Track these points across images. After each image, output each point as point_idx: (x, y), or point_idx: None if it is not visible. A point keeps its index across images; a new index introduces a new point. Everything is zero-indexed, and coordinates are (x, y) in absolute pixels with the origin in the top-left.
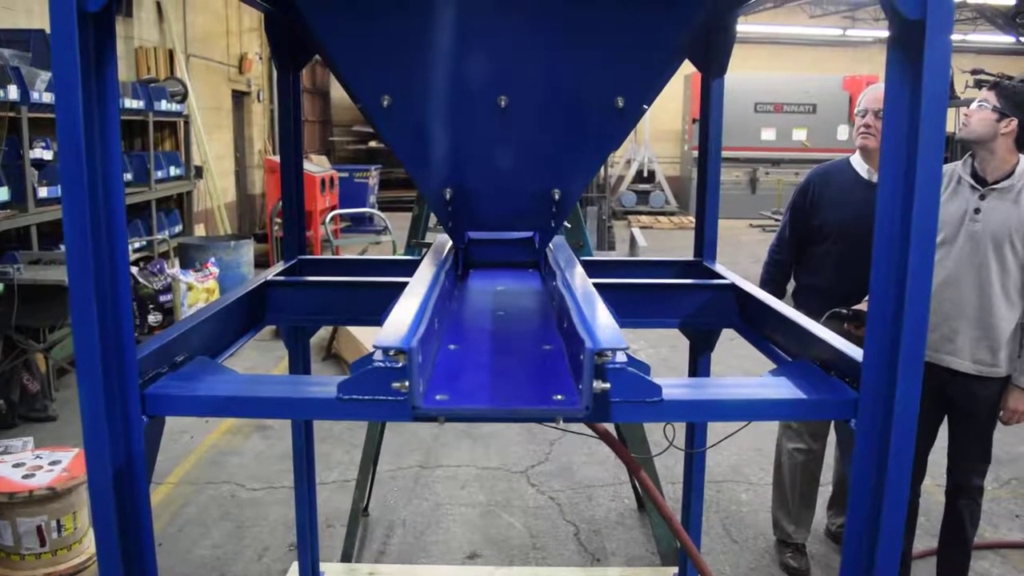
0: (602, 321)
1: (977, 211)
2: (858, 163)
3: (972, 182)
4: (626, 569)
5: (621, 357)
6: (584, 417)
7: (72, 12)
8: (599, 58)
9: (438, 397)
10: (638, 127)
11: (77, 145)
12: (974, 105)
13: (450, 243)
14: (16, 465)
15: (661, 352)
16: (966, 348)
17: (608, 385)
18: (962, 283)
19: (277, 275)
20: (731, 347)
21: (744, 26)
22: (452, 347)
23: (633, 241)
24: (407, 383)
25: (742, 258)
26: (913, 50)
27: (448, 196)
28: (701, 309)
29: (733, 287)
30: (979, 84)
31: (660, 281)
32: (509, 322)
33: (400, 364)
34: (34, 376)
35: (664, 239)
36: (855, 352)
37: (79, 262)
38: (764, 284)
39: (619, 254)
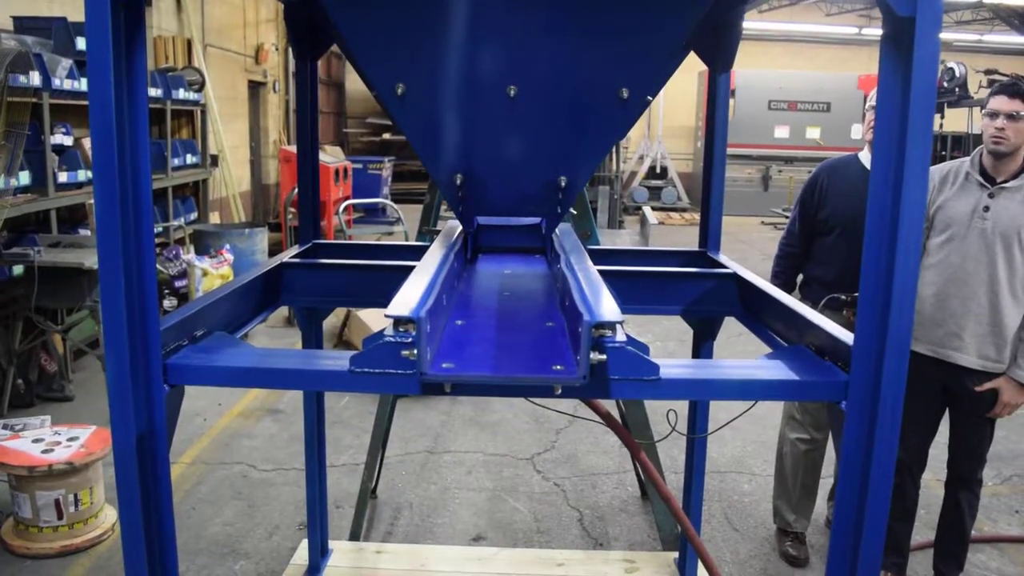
0: (601, 298)
1: (987, 209)
2: (866, 158)
3: (981, 180)
4: (628, 553)
5: (621, 336)
6: (581, 387)
7: (106, 0)
8: (605, 50)
9: (444, 365)
10: (651, 123)
11: (108, 126)
12: (1003, 120)
13: (460, 228)
14: (35, 440)
15: (669, 346)
16: (973, 344)
17: (605, 356)
18: (970, 280)
19: (292, 257)
20: (739, 341)
21: (760, 23)
22: (459, 322)
23: (644, 220)
24: (416, 351)
25: (753, 255)
26: (904, 46)
27: (459, 182)
28: (703, 297)
29: (735, 276)
30: (992, 84)
31: (664, 269)
32: (514, 301)
33: (410, 339)
34: (52, 357)
35: (675, 235)
36: (847, 337)
37: (108, 238)
38: (775, 276)
39: (630, 232)
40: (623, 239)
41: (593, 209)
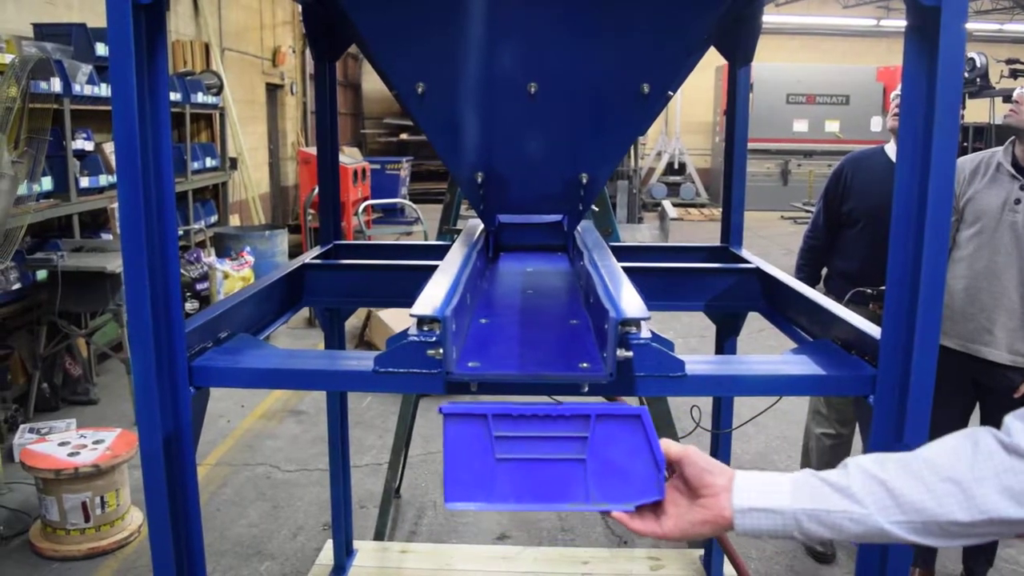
0: (626, 294)
1: (1018, 201)
2: (891, 150)
3: (1012, 171)
4: (652, 551)
5: (646, 333)
6: (608, 384)
7: (127, 4)
8: (625, 45)
9: (470, 364)
10: (669, 119)
11: (131, 129)
12: (1020, 92)
13: (481, 227)
14: (62, 444)
15: (691, 343)
16: (1004, 339)
17: (631, 353)
18: (1002, 274)
19: (314, 258)
20: (761, 337)
21: (777, 16)
22: (483, 321)
23: (663, 214)
24: (441, 351)
25: (773, 250)
26: (929, 36)
27: (480, 180)
28: (726, 292)
29: (757, 271)
30: (1014, 74)
31: (686, 265)
32: (538, 299)
33: (434, 339)
34: (76, 361)
35: (694, 231)
36: (874, 331)
37: (133, 242)
38: (799, 270)
39: (649, 227)
40: (643, 233)
41: (612, 204)
